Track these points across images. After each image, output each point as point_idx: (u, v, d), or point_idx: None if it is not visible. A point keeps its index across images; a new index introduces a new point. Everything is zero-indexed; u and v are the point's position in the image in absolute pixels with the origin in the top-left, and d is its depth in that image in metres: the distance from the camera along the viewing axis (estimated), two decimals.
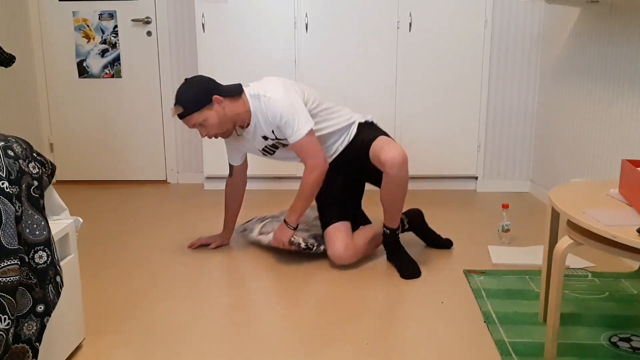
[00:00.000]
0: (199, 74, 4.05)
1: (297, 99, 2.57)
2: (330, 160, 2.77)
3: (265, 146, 2.75)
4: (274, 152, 2.79)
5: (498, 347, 1.98)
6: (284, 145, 2.72)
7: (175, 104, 2.57)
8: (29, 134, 4.25)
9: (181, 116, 2.56)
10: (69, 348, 1.91)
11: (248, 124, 2.65)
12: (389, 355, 1.95)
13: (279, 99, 2.54)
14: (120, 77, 4.35)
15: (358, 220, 2.92)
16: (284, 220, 2.70)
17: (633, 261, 2.71)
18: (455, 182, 4.23)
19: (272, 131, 2.64)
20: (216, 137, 2.66)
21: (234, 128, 2.66)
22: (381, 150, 2.51)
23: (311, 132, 2.56)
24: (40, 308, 1.61)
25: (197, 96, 2.54)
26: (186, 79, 2.61)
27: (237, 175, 2.96)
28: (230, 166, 2.95)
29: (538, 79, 4.02)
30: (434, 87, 4.02)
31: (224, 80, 4.08)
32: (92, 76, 4.36)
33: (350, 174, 2.81)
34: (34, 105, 4.34)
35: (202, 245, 3.01)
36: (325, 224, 2.75)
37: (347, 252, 2.66)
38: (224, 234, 3.05)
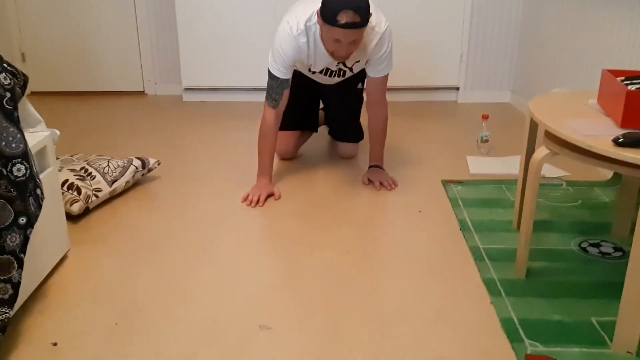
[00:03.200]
0: None
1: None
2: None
3: (328, 68, 2.61)
4: (329, 74, 2.67)
5: (472, 253, 2.06)
6: (341, 75, 2.70)
7: (348, 9, 2.16)
8: None
9: (353, 26, 2.20)
10: (55, 259, 1.94)
11: None
12: (368, 261, 2.02)
13: (388, 34, 2.47)
14: None
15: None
16: (374, 166, 2.71)
17: (607, 170, 2.77)
18: (437, 93, 4.21)
19: (357, 61, 2.56)
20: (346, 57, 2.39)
21: None
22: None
23: None
24: (23, 220, 1.61)
25: (369, 8, 2.23)
26: None
27: (282, 107, 2.55)
28: (282, 88, 2.50)
29: None
30: None
31: None
32: None
33: (329, 102, 3.00)
34: (1, 13, 4.14)
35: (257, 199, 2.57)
36: (286, 125, 2.82)
37: (292, 153, 3.00)
38: (268, 179, 2.61)
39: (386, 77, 2.60)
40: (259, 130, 2.58)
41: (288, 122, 2.87)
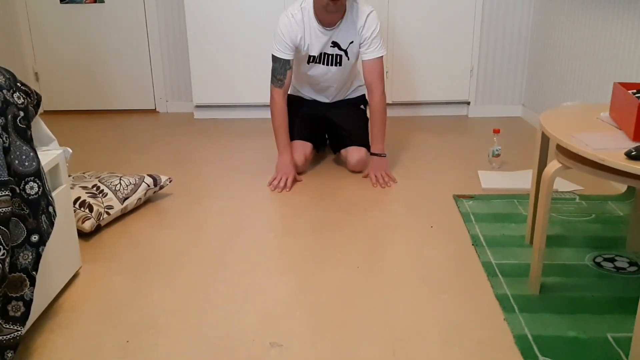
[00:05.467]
0: None
1: None
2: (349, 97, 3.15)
3: (324, 52, 2.82)
4: (327, 61, 2.86)
5: (485, 269, 2.04)
6: (337, 63, 2.87)
7: None
8: (11, 63, 4.15)
9: None
10: (66, 276, 1.95)
11: (334, 23, 2.74)
12: (379, 278, 2.01)
13: (375, 15, 2.77)
14: (103, 1, 4.20)
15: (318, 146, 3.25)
16: (374, 154, 2.89)
17: (621, 184, 2.74)
18: (447, 107, 4.21)
19: (351, 42, 2.79)
20: (334, 6, 2.62)
21: (338, 15, 2.71)
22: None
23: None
24: (35, 238, 1.62)
25: None
26: None
27: (287, 85, 2.82)
28: (285, 67, 2.78)
29: (533, 0, 3.92)
30: (427, 9, 3.92)
31: (212, 5, 3.96)
32: (73, 1, 4.21)
33: (333, 117, 3.10)
34: (15, 33, 4.21)
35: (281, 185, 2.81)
36: (297, 136, 3.02)
37: (305, 164, 3.04)
38: (290, 156, 2.89)
39: (380, 60, 2.79)
40: (270, 111, 2.83)
41: (299, 133, 3.02)
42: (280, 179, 2.78)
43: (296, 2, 2.78)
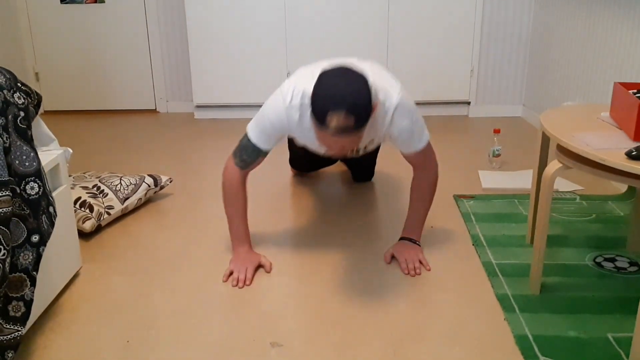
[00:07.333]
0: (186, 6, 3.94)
1: (412, 99, 1.97)
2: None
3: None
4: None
5: (485, 269, 2.04)
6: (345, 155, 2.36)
7: (340, 108, 1.60)
8: (12, 63, 4.15)
9: (345, 130, 1.63)
10: (67, 276, 1.95)
11: None
12: (379, 278, 2.01)
13: (404, 104, 1.90)
14: (103, 1, 4.20)
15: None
16: (406, 239, 2.16)
17: (621, 184, 2.74)
18: (448, 107, 4.21)
19: (371, 140, 2.05)
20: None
21: None
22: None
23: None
24: (35, 238, 1.62)
25: (369, 105, 1.65)
26: (347, 71, 1.68)
27: (250, 170, 2.07)
28: (257, 154, 2.01)
29: (533, 1, 3.92)
30: (427, 9, 3.92)
31: (213, 5, 3.96)
32: (73, 1, 4.21)
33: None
34: (15, 33, 4.21)
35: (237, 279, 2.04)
36: (300, 167, 2.97)
37: (307, 171, 3.01)
38: (247, 247, 2.13)
39: (426, 149, 2.03)
40: (222, 190, 2.08)
41: (304, 166, 2.96)
42: (239, 273, 2.01)
43: (304, 81, 1.86)
